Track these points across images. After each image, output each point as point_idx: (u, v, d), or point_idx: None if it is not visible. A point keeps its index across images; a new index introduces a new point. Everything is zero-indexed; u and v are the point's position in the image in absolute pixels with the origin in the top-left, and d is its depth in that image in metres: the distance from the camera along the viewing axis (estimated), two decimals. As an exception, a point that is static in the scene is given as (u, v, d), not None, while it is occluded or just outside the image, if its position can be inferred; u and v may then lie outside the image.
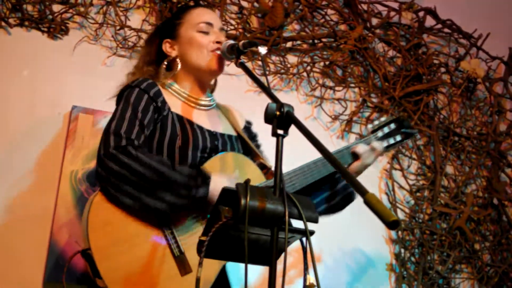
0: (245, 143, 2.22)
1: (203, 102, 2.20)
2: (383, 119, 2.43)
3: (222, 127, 2.22)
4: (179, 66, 2.19)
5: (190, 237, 1.93)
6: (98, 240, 1.82)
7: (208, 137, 2.09)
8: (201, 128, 2.11)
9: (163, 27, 2.31)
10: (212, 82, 2.32)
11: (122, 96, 2.07)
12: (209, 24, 2.19)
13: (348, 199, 2.28)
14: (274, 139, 1.48)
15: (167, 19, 2.35)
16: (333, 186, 2.27)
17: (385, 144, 2.35)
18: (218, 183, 1.89)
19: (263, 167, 2.16)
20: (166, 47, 2.22)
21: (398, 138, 2.40)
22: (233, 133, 2.23)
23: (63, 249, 2.68)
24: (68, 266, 2.44)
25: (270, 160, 2.08)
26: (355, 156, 2.24)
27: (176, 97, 2.16)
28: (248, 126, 2.36)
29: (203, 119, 2.17)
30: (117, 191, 1.84)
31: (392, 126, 2.40)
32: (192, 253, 1.89)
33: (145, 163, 1.84)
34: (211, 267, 1.92)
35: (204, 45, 2.15)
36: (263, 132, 2.26)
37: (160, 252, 1.89)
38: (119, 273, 1.82)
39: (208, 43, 2.15)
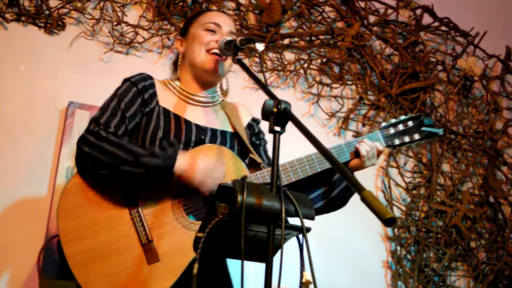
0: (241, 140, 2.22)
1: (198, 98, 2.20)
2: (402, 117, 2.30)
3: (219, 123, 2.22)
4: (180, 62, 2.23)
5: (162, 225, 1.93)
6: (66, 221, 1.88)
7: (194, 131, 2.10)
8: (188, 122, 2.11)
9: (182, 27, 2.37)
10: (217, 81, 2.28)
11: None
12: (217, 25, 2.19)
13: (346, 194, 2.21)
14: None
15: (187, 19, 2.39)
16: (328, 181, 2.21)
17: (397, 142, 2.26)
18: (191, 159, 1.91)
19: (254, 163, 2.15)
20: (177, 44, 2.28)
21: (416, 137, 2.27)
22: (230, 130, 2.23)
23: (59, 245, 2.68)
24: (60, 261, 2.48)
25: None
26: (357, 154, 2.18)
27: (172, 92, 2.19)
28: (251, 123, 2.35)
29: (195, 114, 2.17)
30: (90, 168, 1.90)
31: (410, 124, 2.28)
32: (162, 242, 1.90)
33: (115, 143, 1.89)
34: (178, 259, 1.91)
35: (204, 43, 2.15)
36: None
37: (128, 238, 1.90)
38: (83, 257, 1.85)
39: (209, 42, 2.15)
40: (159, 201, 1.94)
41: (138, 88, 2.09)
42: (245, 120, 2.33)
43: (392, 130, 2.26)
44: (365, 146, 2.15)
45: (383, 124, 2.28)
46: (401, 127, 2.27)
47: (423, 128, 2.27)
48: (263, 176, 2.03)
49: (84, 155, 1.90)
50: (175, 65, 2.30)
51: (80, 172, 1.95)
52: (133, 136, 2.06)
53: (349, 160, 2.19)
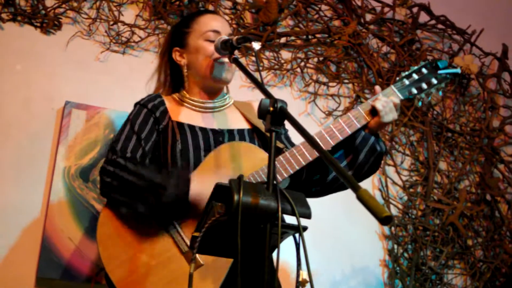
0: (261, 133, 2.20)
1: (211, 105, 2.20)
2: (414, 67, 2.18)
3: (234, 123, 2.21)
4: (187, 74, 2.21)
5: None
6: (106, 250, 1.91)
7: (211, 136, 2.10)
8: (203, 129, 2.12)
9: (172, 35, 2.31)
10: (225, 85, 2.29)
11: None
12: (217, 32, 2.16)
13: (372, 157, 2.12)
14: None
15: (176, 27, 2.34)
16: (351, 148, 2.12)
17: (414, 91, 2.13)
18: (200, 183, 1.91)
19: (277, 150, 2.10)
20: (176, 55, 2.24)
21: (434, 81, 2.15)
22: (247, 127, 2.21)
23: (55, 245, 2.68)
24: (65, 263, 2.49)
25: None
26: (374, 112, 2.07)
27: (183, 105, 2.19)
28: None
29: (209, 120, 2.18)
30: (114, 201, 1.95)
31: (425, 71, 2.15)
32: None
33: (133, 172, 1.91)
34: (219, 260, 1.91)
35: (210, 54, 2.14)
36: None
37: (168, 251, 1.91)
38: (132, 279, 1.87)
39: (213, 52, 2.13)
40: (190, 211, 1.93)
41: (148, 108, 2.12)
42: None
43: (406, 82, 2.14)
44: (381, 101, 2.07)
45: (397, 79, 2.19)
46: (415, 76, 2.15)
47: (440, 71, 2.16)
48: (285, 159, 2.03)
49: (107, 185, 1.95)
50: (175, 78, 2.28)
51: (108, 203, 1.98)
52: (155, 154, 2.09)
53: (367, 122, 2.09)
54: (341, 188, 2.22)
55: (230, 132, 2.15)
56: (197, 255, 1.88)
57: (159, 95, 2.19)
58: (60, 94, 2.93)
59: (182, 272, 1.88)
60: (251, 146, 2.08)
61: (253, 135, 2.20)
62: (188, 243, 1.90)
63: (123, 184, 1.91)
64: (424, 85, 2.14)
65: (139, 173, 1.91)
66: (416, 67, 2.17)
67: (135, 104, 2.17)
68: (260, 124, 2.20)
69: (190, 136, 2.07)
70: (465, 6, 4.04)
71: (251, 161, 2.03)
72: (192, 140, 2.06)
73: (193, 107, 2.19)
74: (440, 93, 2.26)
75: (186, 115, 2.16)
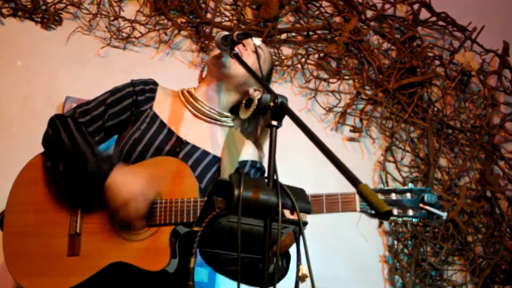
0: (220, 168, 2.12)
1: (201, 108, 2.16)
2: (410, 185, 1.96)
3: (210, 144, 2.14)
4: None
5: (96, 223, 1.92)
6: (15, 196, 2.01)
7: (172, 142, 2.07)
8: (171, 132, 2.09)
9: None
10: (229, 83, 2.18)
11: None
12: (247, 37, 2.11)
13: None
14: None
15: None
16: None
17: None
18: (123, 176, 1.87)
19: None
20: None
21: (410, 213, 1.92)
22: (217, 154, 2.13)
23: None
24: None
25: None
26: None
27: (179, 102, 2.18)
28: (256, 161, 2.23)
29: (189, 128, 2.13)
30: (46, 153, 2.02)
31: (407, 196, 1.92)
32: (89, 239, 1.89)
33: (71, 134, 1.96)
34: (96, 260, 1.89)
35: (216, 53, 2.14)
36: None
37: (60, 225, 1.93)
38: (17, 229, 1.94)
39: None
40: (103, 201, 1.89)
41: (135, 89, 2.12)
42: (248, 155, 2.21)
43: (381, 196, 1.93)
44: None
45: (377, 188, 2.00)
46: (393, 196, 1.93)
47: (423, 206, 1.90)
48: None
49: (45, 136, 2.02)
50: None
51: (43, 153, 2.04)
52: (116, 131, 2.11)
53: None
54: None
55: (194, 148, 2.09)
56: (81, 245, 1.88)
57: (155, 83, 2.19)
58: (60, 90, 2.93)
59: (54, 250, 1.90)
60: (188, 172, 1.97)
61: (218, 163, 2.11)
62: (79, 228, 1.90)
63: (58, 140, 1.95)
64: (396, 211, 1.92)
65: (74, 137, 1.94)
66: (400, 188, 1.95)
67: (131, 81, 2.18)
68: (232, 160, 2.13)
69: (153, 131, 2.05)
70: (465, 3, 4.04)
71: (179, 186, 1.95)
72: (151, 135, 2.05)
73: (187, 104, 2.16)
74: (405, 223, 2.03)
75: (170, 112, 2.13)
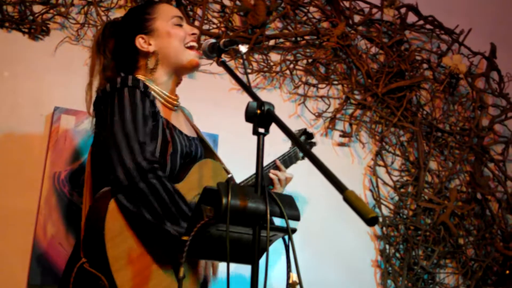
0: (206, 144, 2.21)
1: (176, 103, 2.20)
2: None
3: (188, 129, 2.21)
4: (158, 61, 2.16)
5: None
6: (114, 249, 1.74)
7: (186, 142, 2.10)
8: (180, 132, 2.11)
9: (132, 23, 2.22)
10: None
11: (114, 96, 1.94)
12: (180, 17, 2.20)
13: None
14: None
15: (134, 14, 2.24)
16: None
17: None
18: None
19: (226, 171, 2.18)
20: (140, 42, 2.16)
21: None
22: (195, 135, 2.23)
23: (46, 251, 2.67)
24: (56, 269, 2.44)
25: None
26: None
27: (157, 99, 2.14)
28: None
29: (179, 122, 2.17)
30: (138, 209, 1.76)
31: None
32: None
33: (168, 191, 1.79)
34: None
35: (182, 39, 2.16)
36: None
37: (166, 271, 1.87)
38: (134, 282, 1.76)
39: (185, 35, 2.16)
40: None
41: (141, 90, 1.98)
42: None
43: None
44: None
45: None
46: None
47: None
48: None
49: (140, 192, 1.76)
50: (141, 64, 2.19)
51: (119, 201, 1.78)
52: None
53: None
54: None
55: (194, 140, 2.16)
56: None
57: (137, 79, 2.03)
58: (48, 100, 2.91)
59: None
60: (218, 165, 2.12)
61: (199, 144, 2.20)
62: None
63: (158, 200, 1.76)
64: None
65: (173, 196, 1.78)
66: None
67: (121, 88, 1.93)
68: (201, 134, 2.24)
69: (178, 141, 2.05)
70: (452, 6, 4.07)
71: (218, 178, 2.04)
72: (172, 143, 2.03)
73: (166, 103, 2.15)
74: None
75: (163, 111, 2.12)
